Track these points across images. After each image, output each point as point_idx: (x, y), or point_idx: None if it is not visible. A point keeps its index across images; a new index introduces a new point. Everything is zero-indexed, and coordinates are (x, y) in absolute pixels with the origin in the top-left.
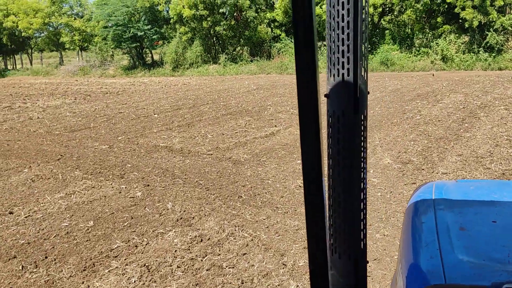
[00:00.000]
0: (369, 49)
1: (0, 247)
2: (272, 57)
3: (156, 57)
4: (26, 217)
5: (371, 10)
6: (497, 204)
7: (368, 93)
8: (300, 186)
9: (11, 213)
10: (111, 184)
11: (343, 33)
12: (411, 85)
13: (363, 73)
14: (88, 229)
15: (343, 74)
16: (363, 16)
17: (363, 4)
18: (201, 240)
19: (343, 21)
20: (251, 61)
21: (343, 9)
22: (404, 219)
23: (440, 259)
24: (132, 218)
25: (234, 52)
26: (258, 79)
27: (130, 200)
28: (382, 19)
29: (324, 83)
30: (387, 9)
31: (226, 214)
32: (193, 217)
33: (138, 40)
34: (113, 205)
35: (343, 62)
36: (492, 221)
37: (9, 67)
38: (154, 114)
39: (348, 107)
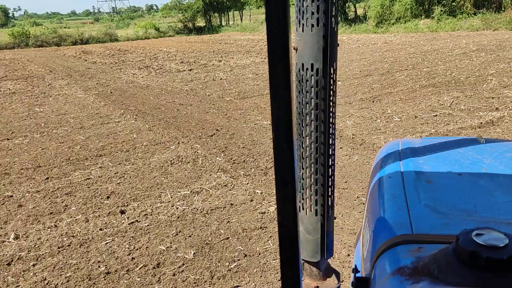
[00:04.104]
0: None
1: (72, 275)
2: (503, 8)
3: (359, 11)
4: (131, 223)
5: None
6: (462, 158)
7: (338, 44)
8: None
9: (122, 212)
10: (247, 184)
11: None
12: None
13: (333, 24)
14: (182, 265)
15: (312, 24)
16: None
17: None
18: None
19: None
20: (475, 14)
21: None
22: (371, 175)
23: (407, 211)
24: (245, 256)
25: (453, 3)
26: (481, 37)
27: (257, 218)
28: None
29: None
30: None
31: None
32: None
33: None
34: (234, 222)
35: (312, 12)
36: (457, 174)
37: (223, 23)
38: (338, 81)
39: (318, 59)
